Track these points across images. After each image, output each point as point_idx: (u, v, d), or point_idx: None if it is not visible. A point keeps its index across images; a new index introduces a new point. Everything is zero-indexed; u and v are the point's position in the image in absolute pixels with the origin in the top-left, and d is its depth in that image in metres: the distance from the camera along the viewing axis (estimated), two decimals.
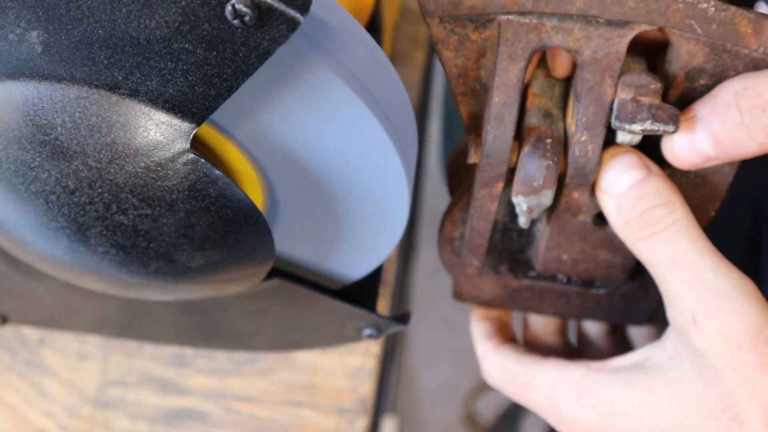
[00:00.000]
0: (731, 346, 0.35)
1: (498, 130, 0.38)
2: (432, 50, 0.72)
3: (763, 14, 0.34)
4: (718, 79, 0.36)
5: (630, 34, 0.34)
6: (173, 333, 0.50)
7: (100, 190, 0.34)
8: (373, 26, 0.48)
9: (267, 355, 0.53)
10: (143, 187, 0.34)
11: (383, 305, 0.54)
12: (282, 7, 0.29)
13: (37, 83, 0.32)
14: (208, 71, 0.31)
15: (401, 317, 0.46)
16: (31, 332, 0.54)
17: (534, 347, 0.50)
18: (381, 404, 0.61)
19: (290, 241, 0.42)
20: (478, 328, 0.49)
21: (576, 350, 0.51)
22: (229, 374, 0.53)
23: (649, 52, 0.38)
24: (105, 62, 0.31)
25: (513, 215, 0.44)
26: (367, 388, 0.53)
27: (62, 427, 0.52)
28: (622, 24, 0.34)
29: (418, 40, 0.65)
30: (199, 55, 0.31)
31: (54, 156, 0.33)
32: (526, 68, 0.36)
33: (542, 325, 0.50)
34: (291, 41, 0.31)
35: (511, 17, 0.35)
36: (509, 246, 0.46)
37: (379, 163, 0.36)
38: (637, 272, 0.46)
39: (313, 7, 0.32)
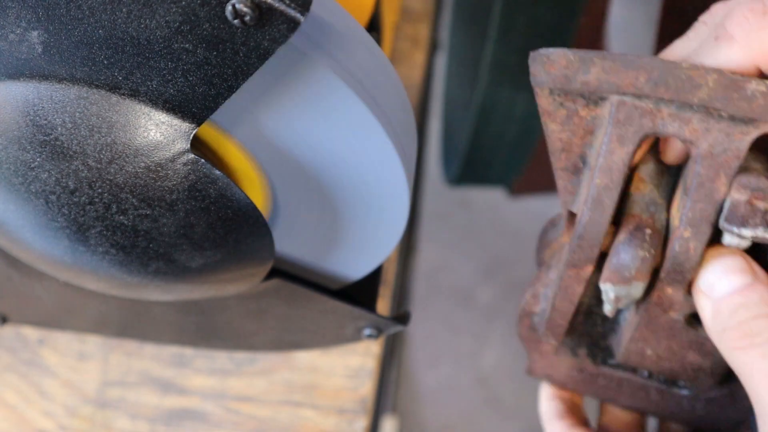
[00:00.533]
0: None
1: (595, 213, 0.36)
2: (432, 50, 0.72)
3: None
4: None
5: (754, 133, 0.32)
6: (173, 333, 0.50)
7: (100, 190, 0.34)
8: (373, 26, 0.47)
9: (267, 355, 0.53)
10: (143, 187, 0.34)
11: (383, 305, 0.54)
12: (282, 7, 0.29)
13: (37, 83, 0.32)
14: (208, 71, 0.31)
15: (401, 317, 0.46)
16: (31, 332, 0.54)
17: None
18: (381, 404, 0.61)
19: (290, 241, 0.42)
20: (550, 407, 0.47)
21: None
22: (229, 374, 0.53)
23: None
24: (105, 62, 0.31)
25: (599, 299, 0.42)
26: (367, 388, 0.53)
27: (62, 427, 0.52)
28: (747, 121, 0.32)
29: (418, 40, 0.65)
30: (200, 55, 0.31)
31: (54, 156, 0.33)
32: (634, 153, 0.34)
33: (621, 415, 0.48)
34: (291, 41, 0.31)
35: (626, 99, 0.33)
36: (591, 330, 0.44)
37: (378, 163, 0.36)
38: (727, 379, 0.43)
39: (314, 7, 0.32)
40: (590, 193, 0.35)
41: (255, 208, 0.36)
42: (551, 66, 0.33)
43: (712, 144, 0.33)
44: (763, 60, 0.32)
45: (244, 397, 0.53)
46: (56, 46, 0.31)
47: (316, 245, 0.42)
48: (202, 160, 0.34)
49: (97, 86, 0.32)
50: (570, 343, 0.44)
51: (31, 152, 0.33)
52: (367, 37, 0.35)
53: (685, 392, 0.43)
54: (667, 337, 0.40)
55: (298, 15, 0.29)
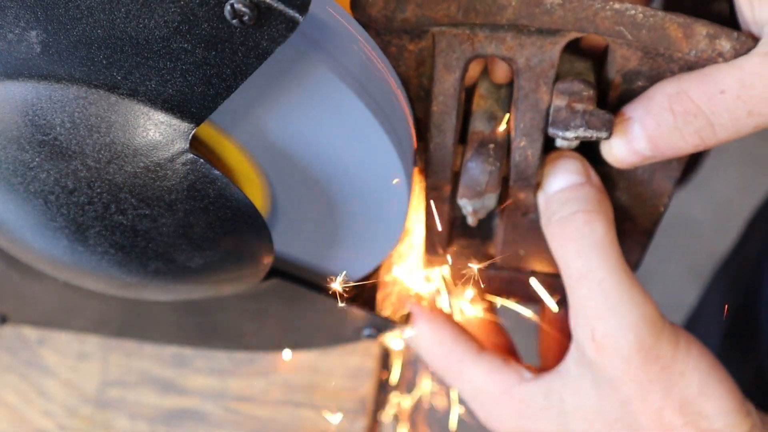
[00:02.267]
0: (622, 361, 0.38)
1: (437, 137, 0.39)
2: None
3: (692, 18, 0.35)
4: (654, 81, 0.36)
5: (562, 42, 0.35)
6: (173, 333, 0.50)
7: (99, 190, 0.34)
8: None
9: (267, 355, 0.53)
10: (142, 187, 0.34)
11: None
12: (281, 6, 0.29)
13: (36, 83, 0.32)
14: (207, 71, 0.31)
15: (401, 317, 0.46)
16: (30, 332, 0.54)
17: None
18: (381, 404, 0.61)
19: (290, 241, 0.42)
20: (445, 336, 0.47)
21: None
22: (229, 374, 0.53)
23: (597, 54, 0.39)
24: (104, 62, 0.31)
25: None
26: (366, 388, 0.53)
27: (62, 427, 0.52)
28: (553, 32, 0.35)
29: None
30: (198, 55, 0.30)
31: (53, 156, 0.33)
32: (462, 77, 0.37)
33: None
34: (290, 41, 0.31)
35: (443, 29, 0.35)
36: (472, 241, 0.47)
37: (377, 163, 0.36)
38: None
39: (312, 7, 0.32)
40: (431, 119, 0.38)
41: (254, 207, 0.36)
42: (371, 9, 0.36)
43: (527, 57, 0.36)
44: None
45: (244, 397, 0.53)
46: (55, 46, 0.31)
47: (315, 245, 0.42)
48: (201, 160, 0.34)
49: (95, 86, 0.32)
50: (456, 255, 0.46)
51: (30, 152, 0.33)
52: (367, 37, 0.35)
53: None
54: (533, 237, 0.43)
55: (296, 15, 0.29)
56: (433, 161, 0.40)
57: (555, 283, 0.47)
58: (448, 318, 0.46)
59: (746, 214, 0.74)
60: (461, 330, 0.45)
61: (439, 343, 0.44)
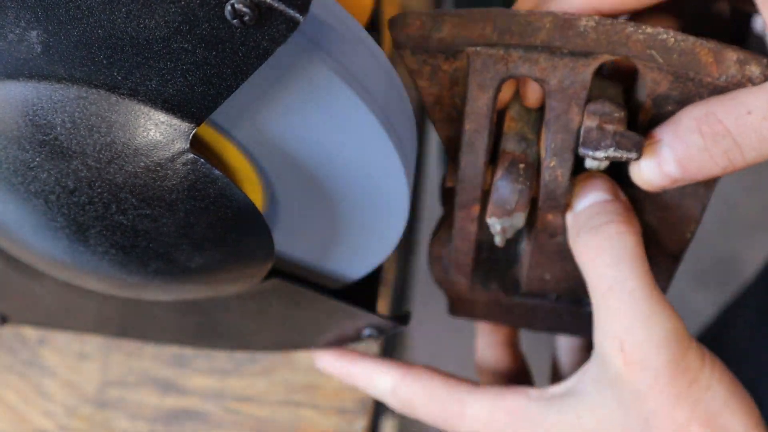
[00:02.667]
0: (651, 375, 0.38)
1: (470, 156, 0.39)
2: None
3: (722, 44, 0.35)
4: (685, 105, 0.37)
5: (594, 64, 0.36)
6: (173, 333, 0.50)
7: (99, 190, 0.34)
8: (373, 26, 0.47)
9: (267, 355, 0.53)
10: (143, 187, 0.34)
11: (383, 305, 0.54)
12: (281, 6, 0.29)
13: (36, 83, 0.32)
14: (207, 71, 0.31)
15: (401, 317, 0.46)
16: (31, 332, 0.54)
17: (484, 364, 0.50)
18: (381, 404, 0.61)
19: (290, 241, 0.42)
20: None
21: (523, 365, 0.51)
22: (229, 374, 0.53)
23: (628, 79, 0.40)
24: (104, 62, 0.31)
25: None
26: None
27: (62, 427, 0.52)
28: (586, 54, 0.35)
29: None
30: (199, 55, 0.31)
31: (53, 156, 0.33)
32: (495, 97, 0.37)
33: (491, 336, 0.50)
34: (290, 41, 0.31)
35: (478, 49, 0.36)
36: (497, 265, 0.47)
37: (378, 163, 0.36)
38: None
39: (313, 7, 0.32)
40: (463, 138, 0.39)
41: (254, 207, 0.36)
42: (408, 28, 0.36)
43: (560, 79, 0.36)
44: (597, 1, 0.37)
45: (244, 397, 0.53)
46: (55, 46, 0.31)
47: (315, 245, 0.42)
48: (202, 160, 0.34)
49: (96, 86, 0.32)
50: (481, 279, 0.47)
51: (30, 152, 0.33)
52: (368, 37, 0.35)
53: (589, 309, 0.47)
54: (559, 260, 0.43)
55: (297, 15, 0.29)
56: (464, 179, 0.40)
57: (577, 312, 0.47)
58: (433, 369, 0.45)
59: (747, 215, 0.74)
60: (450, 375, 0.44)
61: (432, 395, 0.44)
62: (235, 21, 0.29)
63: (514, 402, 0.42)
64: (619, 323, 0.38)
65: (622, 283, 0.38)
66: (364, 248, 0.42)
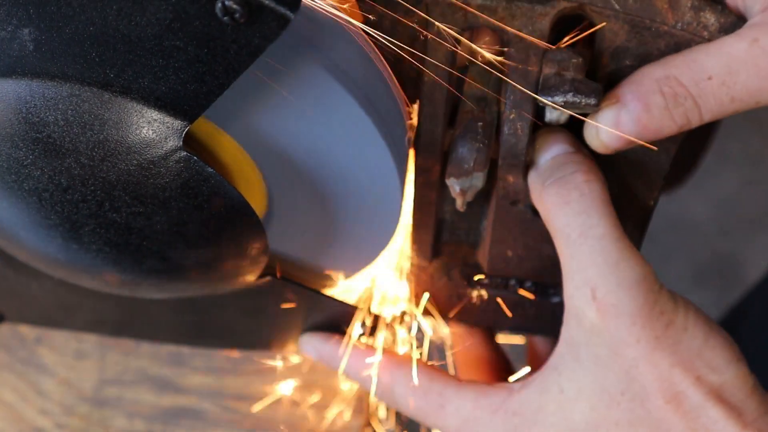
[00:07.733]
0: (626, 321, 0.37)
1: (429, 107, 0.38)
2: None
3: None
4: (642, 60, 0.37)
5: (552, 12, 0.35)
6: (170, 332, 0.50)
7: (92, 188, 0.34)
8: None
9: (263, 353, 0.53)
10: (136, 185, 0.34)
11: None
12: (272, 4, 0.29)
13: (29, 81, 0.32)
14: (199, 68, 0.31)
15: (394, 317, 0.45)
16: (28, 331, 0.54)
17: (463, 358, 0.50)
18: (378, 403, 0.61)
19: (285, 239, 0.42)
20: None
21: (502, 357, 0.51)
22: (226, 373, 0.53)
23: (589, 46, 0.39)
24: (97, 60, 0.31)
25: (460, 215, 0.45)
26: None
27: (59, 425, 0.52)
28: (544, 2, 0.35)
29: None
30: (191, 53, 0.31)
31: (47, 153, 0.33)
32: (454, 47, 0.37)
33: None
34: (282, 38, 0.31)
35: None
36: (458, 249, 0.46)
37: (371, 161, 0.36)
38: None
39: (305, 4, 0.32)
40: (422, 91, 0.38)
41: (248, 205, 0.36)
42: None
43: (518, 28, 0.36)
44: None
45: (241, 396, 0.53)
46: (48, 44, 0.31)
47: (311, 242, 0.42)
48: (195, 158, 0.34)
49: (88, 84, 0.32)
50: (443, 266, 0.46)
51: (23, 150, 0.33)
52: (362, 35, 0.35)
53: (556, 299, 0.46)
54: (521, 233, 0.43)
55: (288, 12, 0.29)
56: (422, 138, 0.39)
57: (542, 305, 0.46)
58: (418, 359, 0.44)
59: (747, 214, 0.74)
60: (434, 368, 0.44)
61: (412, 385, 0.43)
62: (226, 18, 0.29)
63: (496, 398, 0.41)
64: (590, 269, 0.37)
65: (593, 229, 0.37)
66: (358, 246, 0.42)
